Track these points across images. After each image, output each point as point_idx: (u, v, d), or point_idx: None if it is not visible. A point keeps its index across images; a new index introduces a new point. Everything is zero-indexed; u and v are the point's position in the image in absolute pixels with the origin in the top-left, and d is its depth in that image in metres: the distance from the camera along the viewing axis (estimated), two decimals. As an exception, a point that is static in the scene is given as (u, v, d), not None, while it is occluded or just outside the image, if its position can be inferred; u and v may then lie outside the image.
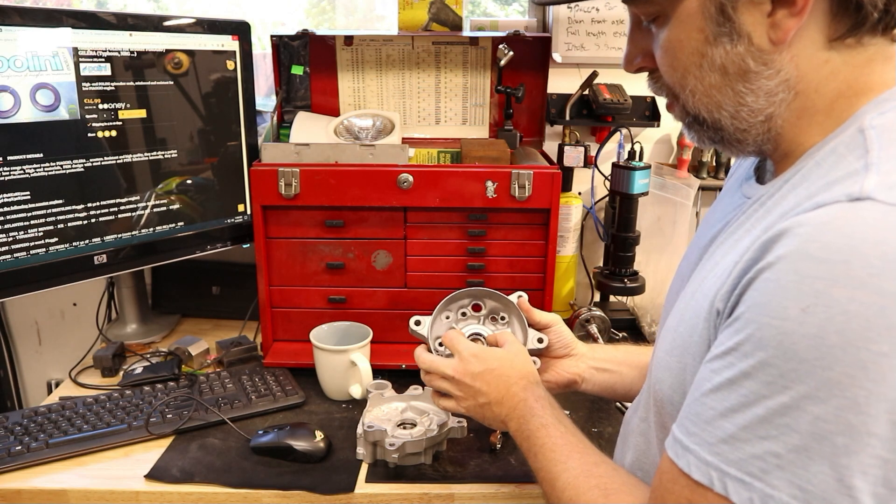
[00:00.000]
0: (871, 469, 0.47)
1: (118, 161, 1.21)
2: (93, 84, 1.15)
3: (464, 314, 0.98)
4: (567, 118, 1.47)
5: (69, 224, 1.17)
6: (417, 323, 0.97)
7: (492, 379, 0.84)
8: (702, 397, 0.54)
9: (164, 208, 1.28)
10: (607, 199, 1.47)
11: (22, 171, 1.10)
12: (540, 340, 0.94)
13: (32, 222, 1.12)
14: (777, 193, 0.59)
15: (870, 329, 0.46)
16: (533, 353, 0.92)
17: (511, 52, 1.36)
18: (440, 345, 0.98)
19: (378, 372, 1.15)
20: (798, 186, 0.57)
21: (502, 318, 0.98)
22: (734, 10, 0.56)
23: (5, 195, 1.09)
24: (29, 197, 1.11)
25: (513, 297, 0.97)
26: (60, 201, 1.15)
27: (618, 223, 1.40)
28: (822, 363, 0.47)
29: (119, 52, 1.17)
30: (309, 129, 1.39)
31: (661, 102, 1.49)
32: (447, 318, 0.98)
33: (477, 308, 0.99)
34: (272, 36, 1.40)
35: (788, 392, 0.48)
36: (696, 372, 0.59)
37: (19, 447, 0.97)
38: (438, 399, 0.90)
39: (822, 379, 0.47)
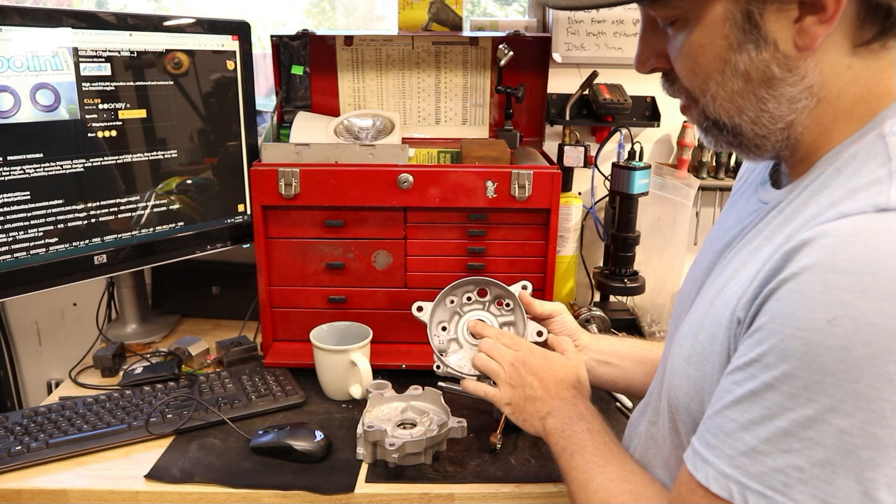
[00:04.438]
0: None
1: (118, 161, 1.21)
2: (93, 84, 1.15)
3: (469, 298, 0.99)
4: (567, 118, 1.47)
5: (69, 224, 1.17)
6: (420, 309, 0.99)
7: (548, 377, 0.86)
8: (723, 409, 0.53)
9: (164, 208, 1.28)
10: (607, 199, 1.47)
11: (22, 171, 1.10)
12: (539, 334, 0.95)
13: (32, 222, 1.12)
14: (796, 200, 0.59)
15: None
16: None
17: (511, 52, 1.36)
18: (443, 329, 1.00)
19: (378, 372, 1.15)
20: (818, 193, 0.56)
21: (507, 305, 0.99)
22: (761, 16, 0.55)
23: (5, 195, 1.09)
24: (29, 197, 1.11)
25: (516, 288, 0.97)
26: (60, 201, 1.15)
27: (618, 223, 1.40)
28: (849, 376, 0.46)
29: (119, 52, 1.17)
30: (309, 129, 1.39)
31: (662, 102, 1.49)
32: (451, 302, 1.00)
33: (482, 293, 1.00)
34: (272, 36, 1.40)
35: (813, 405, 0.47)
36: (715, 381, 0.58)
37: (19, 447, 0.97)
38: (481, 386, 0.90)
39: (847, 392, 0.46)
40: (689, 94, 0.62)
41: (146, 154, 1.24)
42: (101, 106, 1.17)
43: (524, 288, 0.98)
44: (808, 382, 0.47)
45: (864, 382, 0.46)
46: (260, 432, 1.01)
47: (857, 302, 0.46)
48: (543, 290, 1.21)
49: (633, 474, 0.70)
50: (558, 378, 0.86)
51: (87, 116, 1.16)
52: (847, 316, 0.46)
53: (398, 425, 1.00)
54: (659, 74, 0.66)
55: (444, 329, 1.01)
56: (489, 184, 1.16)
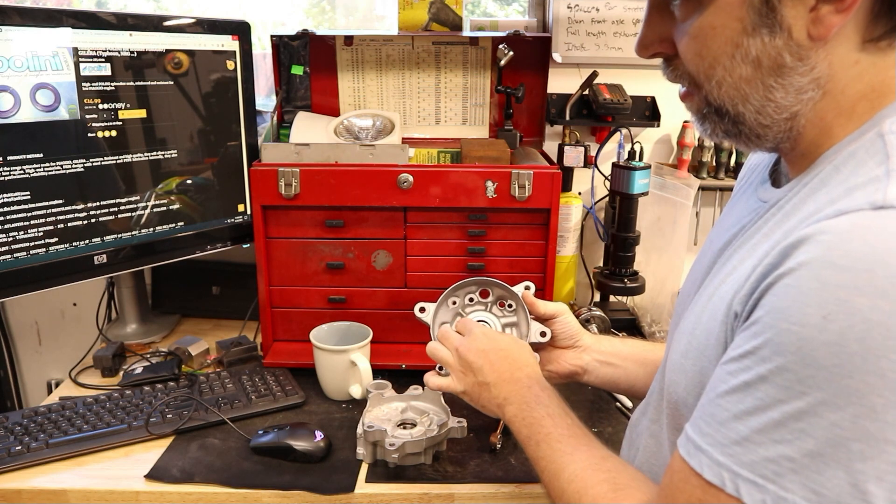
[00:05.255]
0: (888, 476, 0.47)
1: (118, 161, 1.21)
2: (93, 84, 1.15)
3: (471, 300, 0.99)
4: (567, 118, 1.47)
5: (69, 224, 1.17)
6: (422, 310, 0.98)
7: (496, 359, 0.84)
8: (717, 398, 0.54)
9: (164, 208, 1.28)
10: (607, 199, 1.47)
11: (22, 171, 1.10)
12: (542, 334, 0.95)
13: (32, 222, 1.12)
14: (795, 198, 0.59)
15: (891, 338, 0.46)
16: (534, 346, 0.93)
17: (511, 52, 1.36)
18: None
19: (378, 372, 1.15)
20: (817, 191, 0.56)
21: (510, 306, 0.98)
22: (779, 0, 0.54)
23: (5, 195, 1.09)
24: (29, 197, 1.11)
25: (519, 288, 0.97)
26: (60, 201, 1.15)
27: (618, 223, 1.40)
28: (842, 371, 0.46)
29: (119, 52, 1.17)
30: (309, 129, 1.39)
31: (662, 102, 1.49)
32: (453, 303, 0.99)
33: (484, 294, 1.00)
34: (272, 36, 1.40)
35: (805, 398, 0.48)
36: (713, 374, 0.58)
37: (19, 447, 0.97)
38: (433, 378, 0.90)
39: (840, 386, 0.47)
40: (693, 80, 0.61)
41: (146, 154, 1.24)
42: (101, 106, 1.17)
43: (527, 288, 0.98)
44: (802, 376, 0.48)
45: (857, 377, 0.46)
46: (260, 432, 1.01)
47: (852, 298, 0.47)
48: (543, 291, 1.21)
49: (604, 461, 0.70)
50: (510, 359, 0.84)
51: (87, 116, 1.16)
52: (842, 312, 0.47)
53: (398, 425, 1.00)
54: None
55: None
56: (489, 184, 1.16)
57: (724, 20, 0.57)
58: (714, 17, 0.57)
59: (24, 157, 1.09)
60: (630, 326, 1.42)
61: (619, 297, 1.48)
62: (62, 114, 1.13)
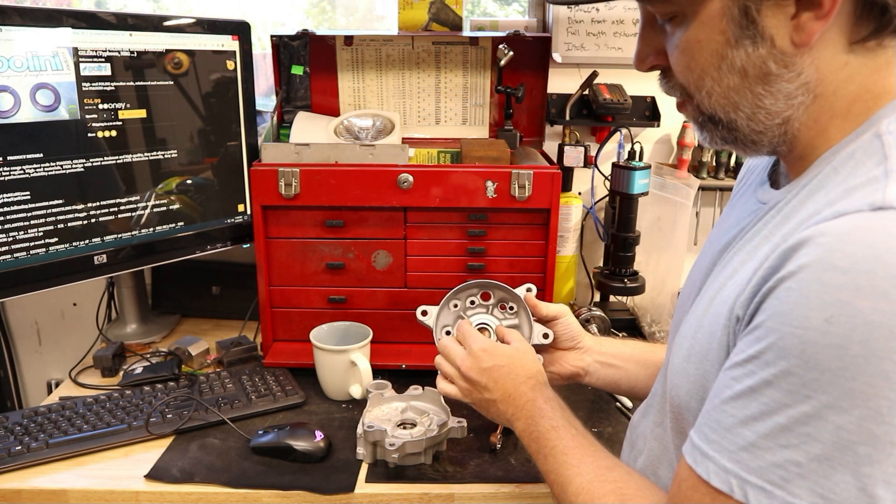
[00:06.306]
0: (894, 478, 0.47)
1: (118, 161, 1.21)
2: (93, 84, 1.15)
3: (472, 302, 0.99)
4: (567, 118, 1.47)
5: (69, 224, 1.17)
6: (424, 313, 0.98)
7: (500, 376, 0.84)
8: (721, 404, 0.54)
9: (164, 208, 1.28)
10: (607, 199, 1.47)
11: (22, 171, 1.10)
12: (545, 336, 0.95)
13: (32, 222, 1.12)
14: (794, 199, 0.59)
15: (893, 339, 0.46)
16: (537, 348, 0.93)
17: (511, 52, 1.36)
18: (447, 333, 0.98)
19: (378, 372, 1.15)
20: (816, 193, 0.56)
21: (511, 308, 0.98)
22: (758, 12, 0.55)
23: (5, 195, 1.09)
24: (29, 197, 1.11)
25: (521, 290, 0.97)
26: (60, 201, 1.15)
27: (618, 223, 1.40)
28: (846, 373, 0.46)
29: (119, 52, 1.17)
30: (309, 129, 1.39)
31: (662, 102, 1.49)
32: (455, 306, 0.99)
33: (486, 297, 0.99)
34: (272, 36, 1.40)
35: (810, 401, 0.48)
36: (715, 379, 0.58)
37: (19, 447, 0.97)
38: (444, 385, 0.90)
39: (844, 389, 0.47)
40: (685, 91, 0.62)
41: (146, 154, 1.24)
42: (101, 106, 1.17)
43: (528, 290, 0.97)
44: (806, 380, 0.48)
45: (861, 380, 0.46)
46: (260, 432, 1.01)
47: (853, 300, 0.47)
48: (544, 291, 1.21)
49: (609, 471, 0.70)
50: (513, 374, 0.84)
51: (87, 116, 1.16)
52: (844, 314, 0.47)
53: (398, 425, 1.00)
54: (658, 74, 0.66)
55: (447, 333, 1.00)
56: (489, 184, 1.16)
57: (708, 34, 0.58)
58: (698, 31, 0.58)
59: (24, 157, 1.09)
60: (630, 326, 1.41)
61: (619, 297, 1.48)
62: (62, 114, 1.13)
